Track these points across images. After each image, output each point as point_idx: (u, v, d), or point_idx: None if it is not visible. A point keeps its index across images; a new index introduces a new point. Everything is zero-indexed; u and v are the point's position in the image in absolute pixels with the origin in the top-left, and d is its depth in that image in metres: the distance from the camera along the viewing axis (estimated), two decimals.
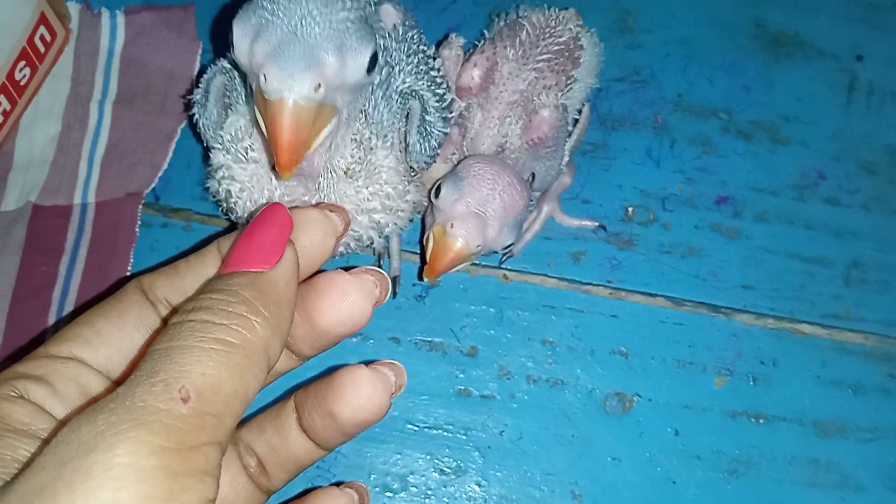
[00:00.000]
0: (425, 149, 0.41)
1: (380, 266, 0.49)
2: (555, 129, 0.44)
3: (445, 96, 0.42)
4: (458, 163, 0.44)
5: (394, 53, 0.39)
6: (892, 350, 0.49)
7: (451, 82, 0.46)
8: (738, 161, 0.53)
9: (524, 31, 0.45)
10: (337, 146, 0.36)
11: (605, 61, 0.49)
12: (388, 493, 0.46)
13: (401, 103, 0.39)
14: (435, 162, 0.43)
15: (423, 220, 0.45)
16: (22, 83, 0.50)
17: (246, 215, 0.39)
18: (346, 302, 0.29)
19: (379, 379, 0.30)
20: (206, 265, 0.30)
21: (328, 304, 0.29)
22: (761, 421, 0.48)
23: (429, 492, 0.46)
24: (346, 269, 0.30)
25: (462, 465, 0.46)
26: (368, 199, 0.38)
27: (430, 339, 0.49)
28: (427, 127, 0.40)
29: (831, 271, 0.51)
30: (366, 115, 0.37)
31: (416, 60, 0.40)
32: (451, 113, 0.43)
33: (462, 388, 0.48)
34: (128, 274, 0.48)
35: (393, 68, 0.38)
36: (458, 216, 0.40)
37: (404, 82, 0.39)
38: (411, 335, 0.49)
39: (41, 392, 0.26)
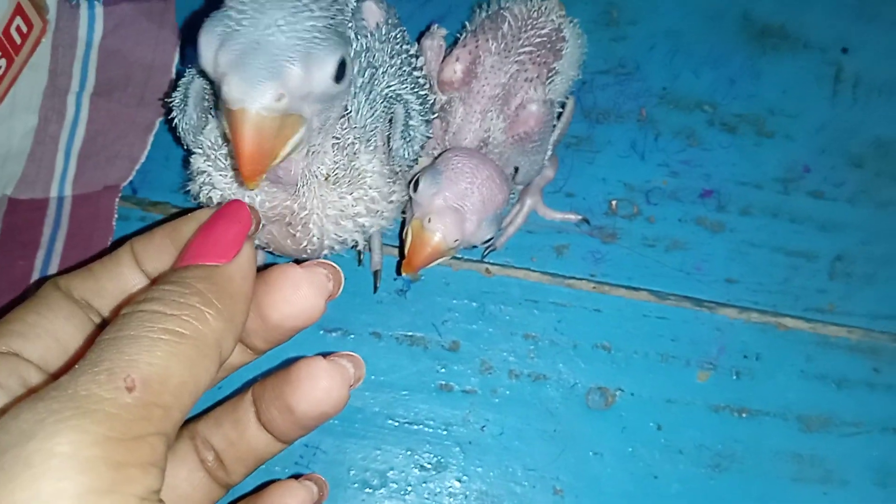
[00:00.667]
0: (408, 153, 0.40)
1: (360, 261, 0.48)
2: (542, 124, 0.43)
3: (428, 97, 0.41)
4: (439, 155, 0.44)
5: (377, 55, 0.38)
6: (876, 344, 0.49)
7: (432, 73, 0.46)
8: (723, 154, 0.52)
9: (506, 23, 0.45)
10: (316, 152, 0.35)
11: (590, 53, 0.48)
12: (368, 489, 0.45)
13: (385, 107, 0.38)
14: (417, 163, 0.43)
15: (402, 215, 0.45)
16: None
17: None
18: (298, 295, 0.29)
19: (337, 371, 0.30)
20: (121, 265, 0.30)
21: (280, 297, 0.29)
22: (745, 415, 0.47)
23: (409, 488, 0.46)
24: (299, 261, 0.29)
25: (442, 460, 0.46)
26: (353, 205, 0.38)
27: (411, 333, 0.48)
28: (410, 132, 0.40)
29: (816, 265, 0.51)
30: (349, 119, 0.36)
31: (399, 62, 0.39)
32: (433, 114, 0.43)
33: (443, 383, 0.47)
34: None
35: (376, 70, 0.38)
36: (436, 210, 0.40)
37: (389, 86, 0.38)
38: (392, 330, 0.48)
39: None
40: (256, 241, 0.39)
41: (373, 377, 0.47)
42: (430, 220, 0.40)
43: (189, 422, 0.33)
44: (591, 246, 0.50)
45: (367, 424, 0.46)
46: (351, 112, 0.36)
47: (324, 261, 0.30)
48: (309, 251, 0.38)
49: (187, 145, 0.41)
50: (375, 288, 0.48)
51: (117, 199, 0.49)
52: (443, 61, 0.46)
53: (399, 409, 0.47)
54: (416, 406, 0.47)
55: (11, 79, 0.51)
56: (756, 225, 0.51)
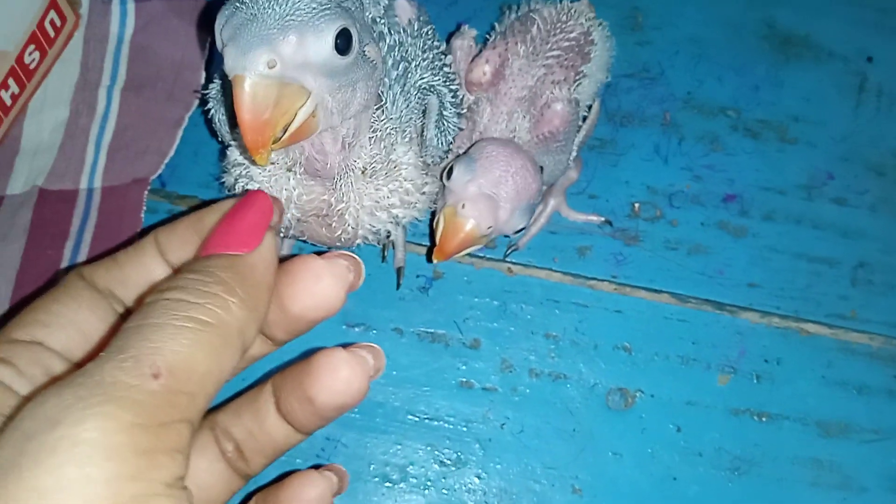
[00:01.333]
0: (442, 143, 0.41)
1: (384, 258, 0.49)
2: (566, 124, 0.44)
3: (458, 92, 0.42)
4: (472, 145, 0.44)
5: (410, 49, 0.39)
6: None
7: (461, 73, 0.46)
8: (746, 160, 0.53)
9: (535, 27, 0.45)
10: (352, 146, 0.36)
11: (615, 57, 0.49)
12: (388, 484, 0.46)
13: (419, 98, 0.39)
14: (448, 156, 0.43)
15: (431, 209, 0.45)
16: (31, 67, 0.50)
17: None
18: (319, 287, 0.29)
19: (357, 362, 0.30)
20: (145, 255, 0.30)
21: (301, 288, 0.29)
22: (764, 419, 0.47)
23: (428, 483, 0.46)
24: (321, 254, 0.30)
25: (462, 456, 0.46)
26: (388, 197, 0.38)
27: (432, 330, 0.48)
28: (444, 122, 0.40)
29: (838, 271, 0.51)
30: (384, 111, 0.37)
31: (431, 56, 0.40)
32: (463, 108, 0.43)
33: (464, 380, 0.48)
34: None
35: (409, 63, 0.39)
36: (470, 197, 0.40)
37: (422, 77, 0.39)
38: (414, 326, 0.48)
39: (7, 373, 0.26)
40: (291, 231, 0.40)
41: (394, 373, 0.47)
42: (463, 207, 0.40)
43: (209, 412, 0.33)
44: (614, 248, 0.50)
45: (388, 419, 0.47)
46: (386, 104, 0.37)
47: (345, 252, 0.30)
48: (343, 240, 0.39)
49: (222, 137, 0.41)
50: (398, 284, 0.48)
51: (146, 192, 0.49)
52: (471, 62, 0.46)
53: (420, 405, 0.47)
54: (437, 402, 0.47)
55: (44, 72, 0.51)
56: (778, 230, 0.51)
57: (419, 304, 0.49)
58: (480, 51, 0.46)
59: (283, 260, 0.29)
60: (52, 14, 0.50)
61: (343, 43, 0.31)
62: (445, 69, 0.41)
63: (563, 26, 0.45)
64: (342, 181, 0.36)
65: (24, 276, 0.48)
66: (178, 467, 0.21)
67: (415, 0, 0.41)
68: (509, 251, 0.49)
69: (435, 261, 0.41)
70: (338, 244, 0.39)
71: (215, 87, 0.40)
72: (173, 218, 0.48)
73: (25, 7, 0.48)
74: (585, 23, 0.45)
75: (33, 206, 0.49)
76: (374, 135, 0.36)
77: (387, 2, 0.39)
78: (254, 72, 0.29)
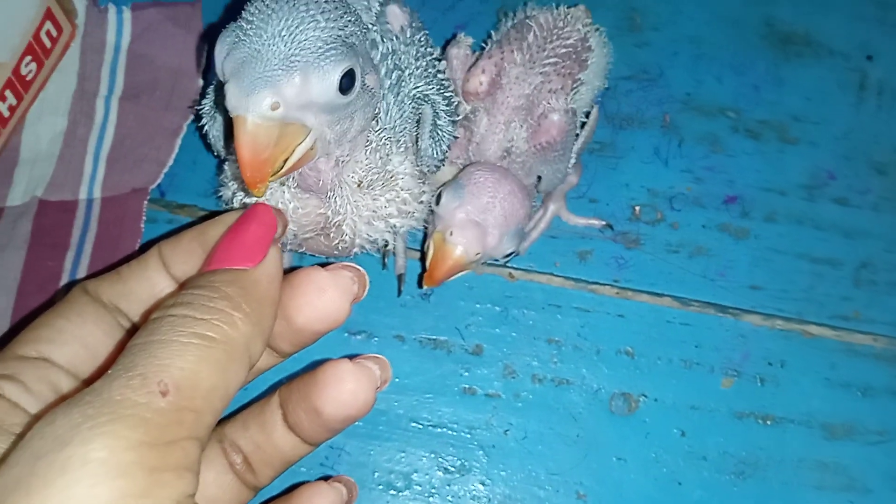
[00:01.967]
0: (437, 153, 0.40)
1: (384, 265, 0.48)
2: (563, 134, 0.43)
3: (453, 99, 0.42)
4: (462, 169, 0.44)
5: (403, 57, 0.38)
6: None
7: (458, 82, 0.46)
8: (747, 160, 0.52)
9: (531, 34, 0.45)
10: (346, 162, 0.36)
11: (613, 59, 0.48)
12: (392, 492, 0.46)
13: (413, 108, 0.39)
14: (445, 163, 0.43)
15: (425, 226, 0.45)
16: (28, 78, 0.50)
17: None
18: (323, 299, 0.29)
19: (363, 373, 0.30)
20: (149, 269, 0.30)
21: (305, 301, 0.29)
22: (769, 422, 0.47)
23: (432, 490, 0.46)
24: (324, 265, 0.30)
25: (466, 463, 0.46)
26: (385, 207, 0.38)
27: (434, 337, 0.48)
28: (438, 132, 0.40)
29: (841, 272, 0.51)
30: (378, 121, 0.37)
31: (424, 64, 0.40)
32: (458, 116, 0.43)
33: (467, 386, 0.47)
34: None
35: (403, 72, 0.38)
36: (458, 224, 0.40)
37: (416, 87, 0.39)
38: (416, 333, 0.48)
39: (14, 390, 0.26)
40: (289, 246, 0.39)
41: (397, 380, 0.47)
42: (451, 234, 0.40)
43: (217, 425, 0.33)
44: (615, 251, 0.50)
45: (392, 427, 0.47)
46: (380, 114, 0.36)
47: (349, 264, 0.30)
48: (340, 249, 0.39)
49: (217, 152, 0.41)
50: (399, 291, 0.48)
51: (145, 202, 0.49)
52: (468, 71, 0.46)
53: (423, 412, 0.47)
54: (440, 409, 0.47)
55: (41, 82, 0.51)
56: (780, 232, 0.51)
57: (421, 311, 0.49)
58: (477, 59, 0.46)
59: (285, 272, 0.29)
60: (48, 25, 0.50)
61: (347, 83, 0.31)
62: (439, 76, 0.41)
63: (560, 32, 0.45)
64: (336, 195, 0.36)
65: (25, 287, 0.47)
66: (187, 485, 0.21)
67: (407, 6, 0.41)
68: (510, 257, 0.49)
69: (425, 286, 0.41)
70: (335, 253, 0.39)
71: (208, 103, 0.40)
72: (174, 229, 0.49)
73: (21, 18, 0.48)
74: (582, 28, 0.45)
75: (33, 217, 0.49)
76: (369, 145, 0.36)
77: (378, 8, 0.39)
78: (256, 113, 0.28)
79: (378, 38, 0.38)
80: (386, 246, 0.41)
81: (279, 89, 0.29)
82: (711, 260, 0.50)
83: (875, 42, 0.56)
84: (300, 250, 0.40)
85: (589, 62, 0.45)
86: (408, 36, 0.39)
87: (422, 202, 0.40)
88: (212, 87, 0.40)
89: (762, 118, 0.53)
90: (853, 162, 0.53)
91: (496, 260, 0.49)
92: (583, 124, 0.47)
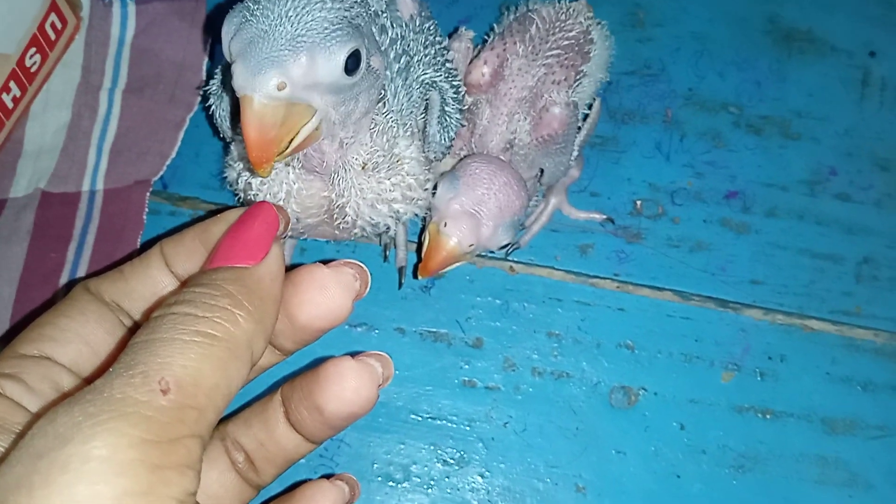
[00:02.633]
0: (444, 139, 0.41)
1: (385, 258, 0.49)
2: (565, 127, 0.44)
3: (460, 88, 0.42)
4: (459, 161, 0.44)
5: (412, 44, 0.39)
6: None
7: (460, 76, 0.46)
8: (749, 156, 0.52)
9: (534, 26, 0.45)
10: (350, 144, 0.36)
11: (616, 55, 0.48)
12: (391, 483, 0.46)
13: (420, 93, 0.39)
14: (449, 153, 0.43)
15: (425, 217, 0.45)
16: (32, 70, 0.50)
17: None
18: (325, 296, 0.29)
19: (365, 370, 0.30)
20: (151, 267, 0.30)
21: (307, 298, 0.29)
22: (769, 417, 0.47)
23: (431, 482, 0.46)
24: (326, 262, 0.30)
25: (465, 455, 0.46)
26: (390, 190, 0.38)
27: (435, 329, 0.48)
28: (447, 118, 0.40)
29: (842, 268, 0.50)
30: (385, 104, 0.37)
31: (433, 52, 0.40)
32: (465, 105, 0.43)
33: (466, 379, 0.48)
34: None
35: (412, 58, 0.39)
36: (452, 215, 0.40)
37: (424, 73, 0.39)
38: (416, 326, 0.48)
39: (16, 389, 0.26)
40: (291, 231, 0.40)
41: (397, 372, 0.47)
42: (445, 225, 0.40)
43: (219, 423, 0.33)
44: (616, 245, 0.50)
45: (391, 419, 0.47)
46: (388, 96, 0.37)
47: (351, 261, 0.30)
48: (341, 229, 0.39)
49: (223, 132, 0.41)
50: (400, 284, 0.48)
51: (148, 194, 0.49)
52: (470, 63, 0.46)
53: (423, 405, 0.47)
54: (440, 401, 0.47)
55: (45, 75, 0.52)
56: (781, 227, 0.51)
57: (421, 304, 0.49)
58: (479, 52, 0.46)
59: (287, 269, 0.29)
60: (53, 17, 0.50)
61: (353, 63, 0.31)
62: (448, 65, 0.41)
63: (563, 25, 0.45)
64: (339, 177, 0.36)
65: (27, 278, 0.48)
66: (189, 483, 0.21)
67: None
68: (511, 249, 0.49)
69: (420, 277, 0.41)
70: (336, 233, 0.39)
71: (216, 83, 0.40)
72: (176, 224, 0.49)
73: (26, 10, 0.48)
74: (584, 22, 0.45)
75: (36, 209, 0.49)
76: (375, 128, 0.36)
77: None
78: (263, 93, 0.29)
79: (388, 24, 0.38)
80: (387, 231, 0.41)
81: (286, 69, 0.29)
82: (712, 254, 0.50)
83: (878, 39, 0.56)
84: (303, 236, 0.41)
85: (591, 54, 0.45)
86: (417, 24, 0.40)
87: (426, 189, 0.40)
88: (220, 67, 0.40)
89: (764, 114, 0.53)
90: (855, 158, 0.53)
91: (497, 253, 0.49)
92: (585, 116, 0.47)
